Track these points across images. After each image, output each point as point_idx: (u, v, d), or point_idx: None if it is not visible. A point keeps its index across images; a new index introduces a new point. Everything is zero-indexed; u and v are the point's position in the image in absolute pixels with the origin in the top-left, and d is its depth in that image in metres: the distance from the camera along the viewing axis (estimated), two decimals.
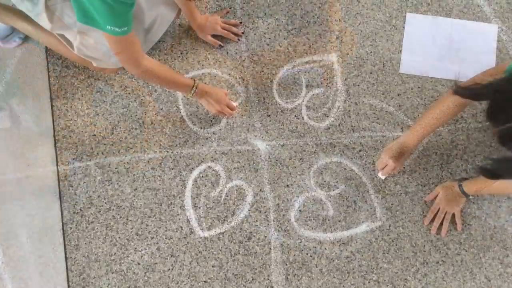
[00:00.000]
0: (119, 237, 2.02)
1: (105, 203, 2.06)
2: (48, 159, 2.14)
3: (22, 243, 2.03)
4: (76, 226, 2.05)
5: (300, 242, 1.99)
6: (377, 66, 2.20)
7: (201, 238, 2.01)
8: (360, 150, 2.10)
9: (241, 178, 2.08)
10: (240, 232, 2.01)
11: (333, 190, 2.05)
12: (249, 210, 2.03)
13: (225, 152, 2.12)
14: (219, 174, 2.09)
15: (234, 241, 2.00)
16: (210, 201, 2.05)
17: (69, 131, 2.17)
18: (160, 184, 2.07)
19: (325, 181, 2.06)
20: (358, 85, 2.18)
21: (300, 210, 2.03)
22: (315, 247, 1.99)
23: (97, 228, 2.04)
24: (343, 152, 2.10)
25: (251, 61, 2.24)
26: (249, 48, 2.26)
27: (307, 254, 1.99)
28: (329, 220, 2.02)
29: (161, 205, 2.04)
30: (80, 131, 2.17)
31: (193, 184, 2.07)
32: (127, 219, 2.04)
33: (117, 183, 2.08)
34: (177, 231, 2.02)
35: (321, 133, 2.13)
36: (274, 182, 2.07)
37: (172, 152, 2.12)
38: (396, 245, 1.98)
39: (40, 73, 2.30)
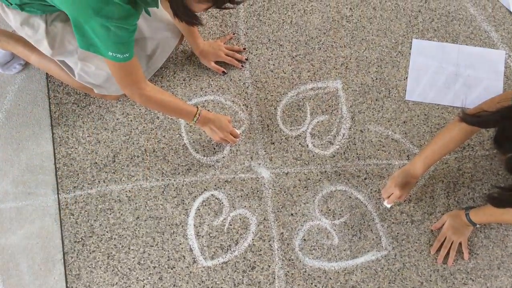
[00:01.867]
0: (120, 267, 2.17)
1: (107, 232, 2.21)
2: (49, 188, 2.29)
3: (22, 272, 2.17)
4: (77, 255, 2.19)
5: (305, 271, 2.13)
6: (382, 93, 2.36)
7: (204, 267, 2.15)
8: (365, 178, 2.25)
9: (245, 206, 2.22)
10: (243, 261, 2.15)
11: (338, 219, 2.19)
12: (252, 239, 2.17)
13: (228, 180, 2.26)
14: (222, 203, 2.23)
15: (237, 270, 2.14)
16: (213, 230, 2.19)
17: (70, 159, 2.33)
18: (162, 213, 2.22)
19: (330, 210, 2.21)
20: (364, 112, 2.34)
21: (304, 239, 2.17)
22: (320, 277, 2.12)
23: (99, 257, 2.18)
24: (348, 180, 2.25)
25: (255, 88, 2.40)
26: (253, 75, 2.42)
27: (311, 283, 2.12)
28: (334, 249, 2.16)
29: (163, 234, 2.19)
30: (81, 159, 2.33)
31: (196, 213, 2.21)
32: (129, 248, 2.18)
33: (119, 212, 2.23)
34: (179, 261, 2.16)
35: (326, 161, 2.28)
36: (278, 211, 2.21)
37: (174, 180, 2.27)
38: (402, 274, 2.12)
39: (40, 100, 2.46)
